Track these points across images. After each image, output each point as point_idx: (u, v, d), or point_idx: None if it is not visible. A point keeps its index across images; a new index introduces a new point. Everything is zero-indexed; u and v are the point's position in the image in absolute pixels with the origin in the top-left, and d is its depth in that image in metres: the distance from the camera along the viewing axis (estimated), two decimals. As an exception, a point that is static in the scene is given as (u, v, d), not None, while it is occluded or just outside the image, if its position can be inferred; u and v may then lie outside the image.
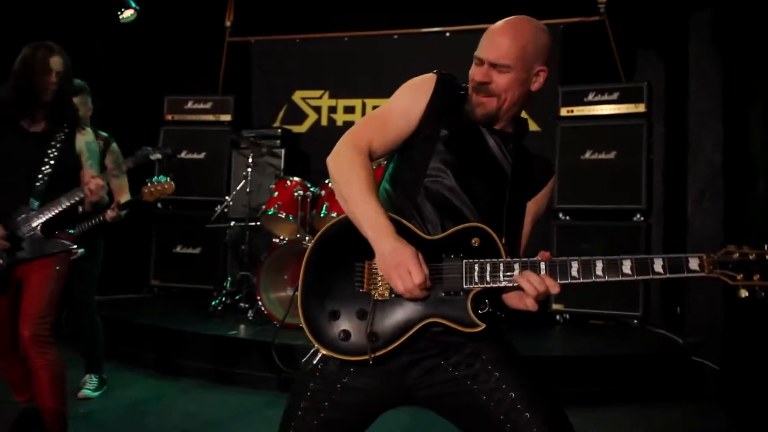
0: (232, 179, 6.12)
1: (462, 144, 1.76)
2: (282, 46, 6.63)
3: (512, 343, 1.75)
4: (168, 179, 3.45)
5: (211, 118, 6.25)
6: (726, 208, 4.54)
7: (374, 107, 6.04)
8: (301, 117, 6.62)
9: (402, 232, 1.62)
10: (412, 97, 1.77)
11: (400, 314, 1.61)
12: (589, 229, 5.44)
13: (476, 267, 1.60)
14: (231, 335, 4.58)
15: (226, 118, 6.22)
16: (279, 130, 6.24)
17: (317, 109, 6.60)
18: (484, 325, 1.57)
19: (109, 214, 3.56)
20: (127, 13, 5.46)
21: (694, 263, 1.50)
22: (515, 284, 1.58)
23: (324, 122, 6.57)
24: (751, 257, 1.47)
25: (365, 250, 1.63)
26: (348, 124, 6.36)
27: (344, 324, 1.62)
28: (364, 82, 6.39)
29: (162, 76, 6.53)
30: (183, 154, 6.14)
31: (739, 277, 1.48)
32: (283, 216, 5.07)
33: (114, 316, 4.93)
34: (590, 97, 5.59)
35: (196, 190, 6.12)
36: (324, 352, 1.63)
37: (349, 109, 6.51)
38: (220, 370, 4.41)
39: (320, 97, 6.59)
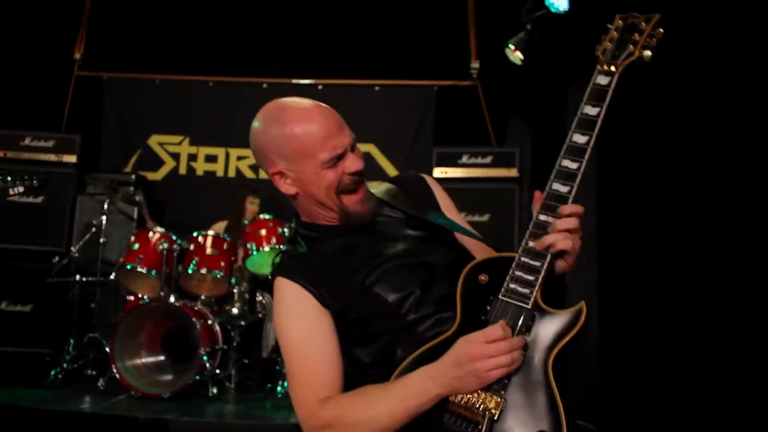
0: (75, 228, 5.41)
1: (357, 262, 1.50)
2: (138, 85, 6.08)
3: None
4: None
5: (52, 158, 5.51)
6: (600, 271, 4.71)
7: (239, 158, 5.90)
8: (156, 163, 6.05)
9: (431, 356, 1.33)
10: (302, 317, 1.45)
11: (530, 395, 1.27)
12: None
13: (514, 286, 1.33)
14: (82, 410, 3.90)
15: (71, 159, 5.51)
16: (133, 176, 5.64)
17: (175, 156, 6.07)
18: (580, 304, 1.30)
19: None
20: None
21: (603, 80, 1.40)
22: (554, 250, 1.32)
23: (182, 170, 6.05)
24: (615, 35, 1.43)
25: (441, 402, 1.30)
26: (209, 174, 5.96)
27: None
28: (229, 131, 6.01)
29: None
30: (15, 197, 5.34)
31: (631, 48, 1.39)
32: (144, 271, 4.52)
33: None
34: (464, 159, 5.63)
35: (29, 239, 5.33)
36: None
37: (212, 158, 6.06)
38: (69, 454, 3.73)
39: (179, 143, 6.08)
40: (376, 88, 6.03)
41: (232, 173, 6.01)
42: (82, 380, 4.65)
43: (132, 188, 5.50)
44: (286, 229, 4.75)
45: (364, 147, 5.99)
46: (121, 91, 6.08)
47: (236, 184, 5.67)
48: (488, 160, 5.61)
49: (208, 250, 4.59)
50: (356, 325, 1.45)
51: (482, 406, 1.26)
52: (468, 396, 1.27)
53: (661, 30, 1.39)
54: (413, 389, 1.30)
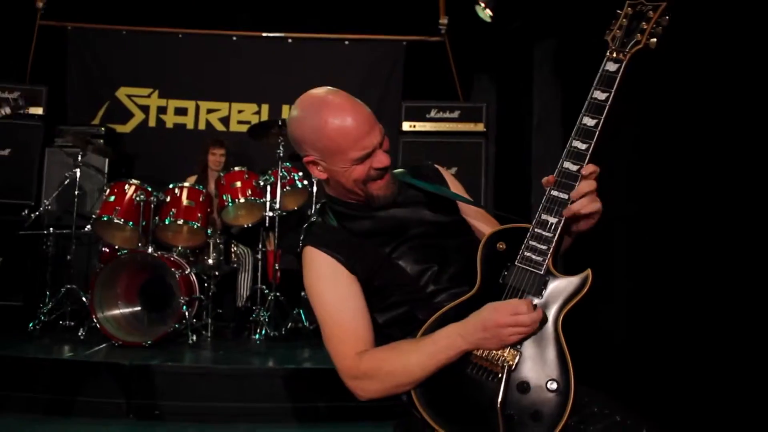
0: (45, 181, 5.39)
1: (382, 239, 1.65)
2: (105, 36, 6.00)
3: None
4: None
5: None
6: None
7: (209, 111, 5.92)
8: (125, 116, 6.02)
9: (455, 315, 1.49)
10: (335, 282, 1.59)
11: (543, 351, 1.43)
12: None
13: (529, 254, 1.47)
14: (67, 358, 3.99)
15: (38, 111, 5.47)
16: (102, 129, 5.61)
17: (145, 109, 6.05)
18: (587, 271, 1.45)
19: None
20: None
21: (612, 66, 1.51)
22: (586, 211, 1.46)
23: (152, 123, 6.04)
24: (623, 23, 1.53)
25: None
26: (179, 127, 5.96)
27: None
28: (199, 84, 6.01)
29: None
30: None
31: (638, 36, 1.51)
32: (121, 223, 4.56)
33: None
34: (432, 113, 5.76)
35: (-4, 192, 5.31)
36: None
37: (181, 111, 6.06)
38: (57, 400, 3.80)
39: (148, 96, 6.05)
40: (346, 42, 6.08)
41: (202, 126, 6.03)
42: (59, 331, 4.71)
43: (102, 141, 5.48)
44: (261, 182, 4.86)
45: (333, 101, 6.06)
46: (87, 42, 5.99)
47: (207, 138, 5.69)
48: (456, 114, 5.75)
49: (185, 202, 4.65)
50: (378, 293, 1.60)
51: (501, 358, 1.42)
52: (489, 354, 1.44)
53: (667, 17, 1.50)
54: (443, 344, 1.45)
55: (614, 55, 1.52)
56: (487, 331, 1.41)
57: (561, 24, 4.81)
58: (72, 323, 4.73)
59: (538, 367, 1.41)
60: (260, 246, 5.13)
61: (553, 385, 1.39)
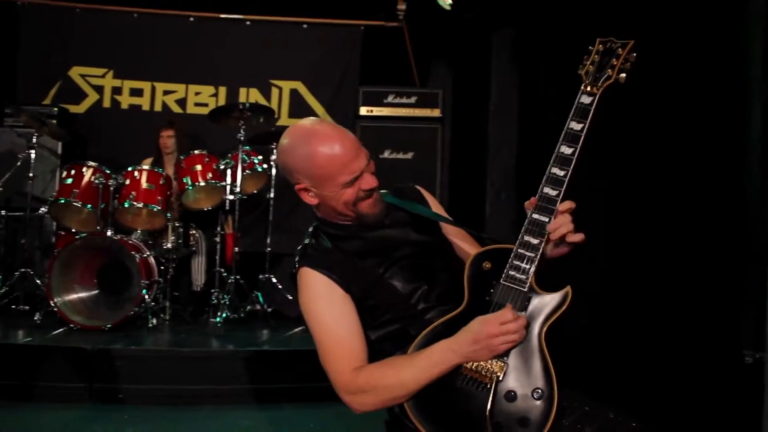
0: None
1: (375, 260, 1.74)
2: (58, 13, 5.84)
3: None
4: None
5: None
6: (518, 206, 5.12)
7: (165, 92, 5.85)
8: (79, 96, 5.89)
9: (445, 330, 1.60)
10: (330, 301, 1.68)
11: (528, 362, 1.55)
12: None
13: (513, 273, 1.59)
14: (27, 342, 3.95)
15: (-15, 89, 5.34)
16: (55, 109, 5.50)
17: (99, 89, 5.92)
18: (567, 288, 1.57)
19: None
20: None
21: (586, 99, 1.63)
22: (545, 246, 1.59)
23: (106, 104, 5.92)
24: (595, 59, 1.65)
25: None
26: (135, 108, 5.90)
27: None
28: (155, 65, 5.92)
29: None
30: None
31: (609, 72, 1.63)
32: (79, 205, 4.51)
33: None
34: (389, 98, 5.81)
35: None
36: None
37: (137, 92, 5.96)
38: (17, 385, 3.76)
39: (103, 76, 5.93)
40: (304, 25, 6.07)
41: (158, 108, 5.95)
42: (13, 315, 4.65)
43: (55, 122, 5.37)
44: (221, 165, 4.86)
45: (291, 84, 6.09)
46: (39, 19, 5.82)
47: (164, 120, 5.63)
48: (413, 100, 5.82)
49: (145, 185, 4.63)
50: (372, 311, 1.70)
51: (489, 370, 1.53)
52: (478, 363, 1.55)
53: (634, 54, 1.63)
54: (436, 359, 1.55)
55: (588, 88, 1.64)
56: (478, 344, 1.52)
57: (519, 13, 4.93)
58: (27, 307, 4.67)
59: (524, 377, 1.53)
60: (218, 229, 5.14)
61: (538, 393, 1.51)
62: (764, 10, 2.61)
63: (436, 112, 5.80)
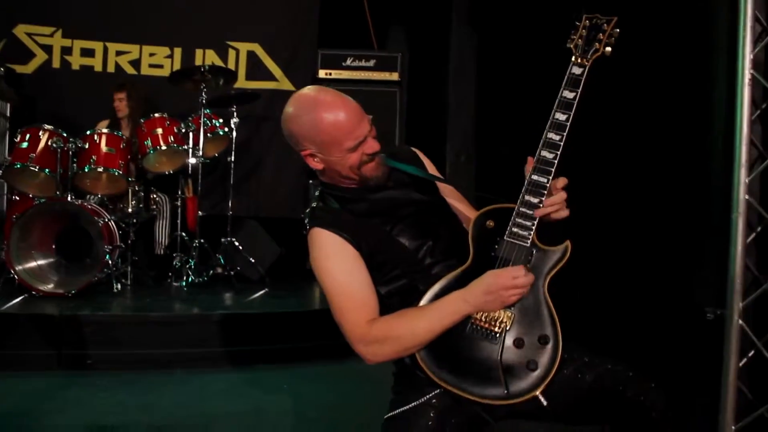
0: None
1: (381, 219, 1.81)
2: (0, -33, 5.59)
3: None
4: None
5: None
6: (477, 167, 5.26)
7: (118, 53, 5.69)
8: (26, 55, 5.65)
9: (456, 283, 1.69)
10: (342, 258, 1.75)
11: (533, 311, 1.66)
12: (345, 189, 5.73)
13: (516, 230, 1.69)
14: (-9, 310, 3.88)
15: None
16: (1, 69, 5.29)
17: (47, 48, 5.70)
18: (566, 242, 1.69)
19: None
20: None
21: (577, 70, 1.74)
22: (551, 215, 1.71)
23: (56, 64, 5.71)
24: (583, 33, 1.77)
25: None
26: (87, 69, 5.73)
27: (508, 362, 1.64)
28: (107, 24, 5.74)
29: None
30: None
31: (597, 45, 1.75)
32: (36, 170, 4.40)
33: None
34: (348, 62, 5.82)
35: None
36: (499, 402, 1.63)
37: (88, 52, 5.76)
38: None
39: (51, 35, 5.70)
40: (262, -15, 5.99)
41: (111, 69, 5.78)
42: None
43: (2, 82, 5.19)
44: (183, 128, 4.80)
45: (248, 46, 6.02)
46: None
47: (117, 81, 5.50)
48: (371, 63, 5.83)
49: (105, 149, 4.54)
50: (381, 267, 1.77)
51: (499, 319, 1.65)
52: (488, 313, 1.66)
53: (617, 30, 1.74)
54: (449, 309, 1.65)
55: (578, 60, 1.74)
56: (491, 294, 1.63)
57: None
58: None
59: (530, 325, 1.65)
60: (179, 193, 5.10)
61: (545, 339, 1.63)
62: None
63: (394, 76, 5.84)
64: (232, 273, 5.01)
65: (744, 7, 2.41)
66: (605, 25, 1.75)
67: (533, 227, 1.68)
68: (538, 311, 1.66)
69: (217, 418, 3.16)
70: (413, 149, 2.04)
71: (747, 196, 2.42)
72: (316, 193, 1.90)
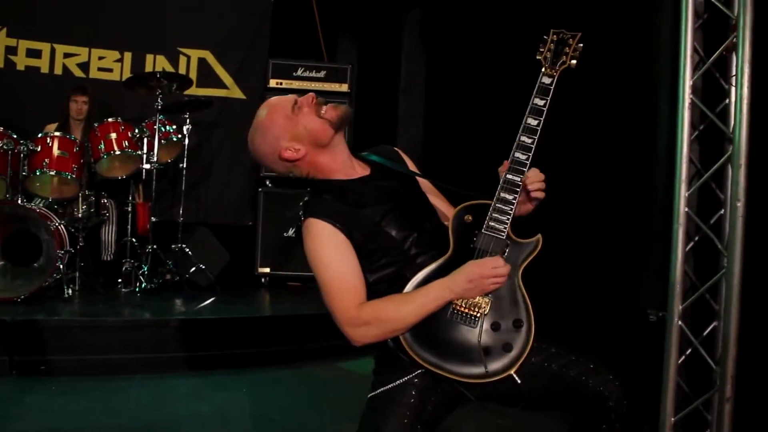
0: None
1: (371, 210, 1.93)
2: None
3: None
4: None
5: None
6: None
7: (66, 55, 5.61)
8: (-33, 56, 5.53)
9: (439, 272, 1.84)
10: (335, 246, 1.85)
11: (509, 298, 1.82)
12: (293, 197, 5.78)
13: (493, 224, 1.85)
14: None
15: None
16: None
17: (-9, 48, 5.59)
18: (538, 235, 1.87)
19: None
20: None
21: (547, 80, 1.92)
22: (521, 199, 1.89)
23: (0, 64, 5.60)
24: (551, 47, 1.95)
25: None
26: (33, 70, 5.65)
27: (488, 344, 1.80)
28: (55, 25, 5.65)
29: None
30: None
31: (564, 58, 1.94)
32: (-15, 173, 4.31)
33: None
34: (299, 72, 5.91)
35: None
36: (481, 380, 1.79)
37: (34, 53, 5.63)
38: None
39: (-5, 34, 5.60)
40: (213, -7, 6.03)
41: (59, 71, 5.67)
42: None
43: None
44: (137, 134, 4.79)
45: (199, 53, 6.04)
46: None
47: (65, 84, 5.42)
48: (322, 74, 5.94)
49: (57, 152, 4.49)
50: (370, 255, 1.89)
51: (478, 305, 1.81)
52: (468, 300, 1.82)
53: (581, 45, 1.93)
54: (433, 295, 1.79)
55: (548, 71, 1.93)
56: (472, 283, 1.78)
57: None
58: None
59: (506, 311, 1.82)
60: (129, 198, 5.07)
61: (519, 323, 1.81)
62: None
63: (344, 87, 5.96)
64: (182, 279, 5.01)
65: (684, 39, 2.69)
66: (570, 39, 1.94)
67: (509, 221, 1.84)
68: (513, 298, 1.83)
69: (185, 419, 3.20)
70: (395, 148, 2.17)
71: (686, 209, 2.67)
72: (308, 189, 1.98)
